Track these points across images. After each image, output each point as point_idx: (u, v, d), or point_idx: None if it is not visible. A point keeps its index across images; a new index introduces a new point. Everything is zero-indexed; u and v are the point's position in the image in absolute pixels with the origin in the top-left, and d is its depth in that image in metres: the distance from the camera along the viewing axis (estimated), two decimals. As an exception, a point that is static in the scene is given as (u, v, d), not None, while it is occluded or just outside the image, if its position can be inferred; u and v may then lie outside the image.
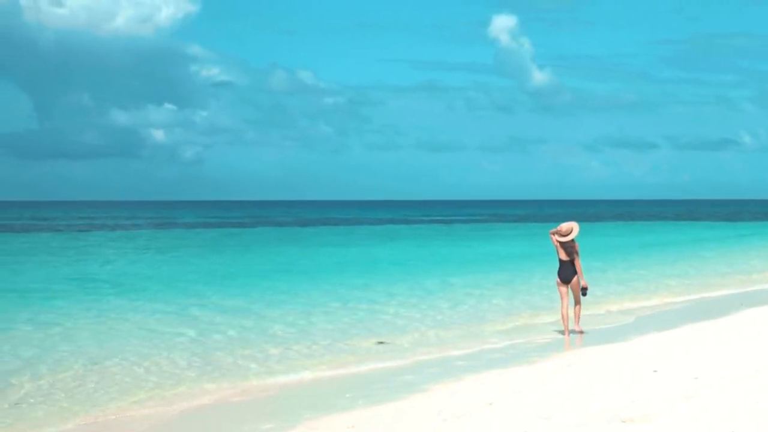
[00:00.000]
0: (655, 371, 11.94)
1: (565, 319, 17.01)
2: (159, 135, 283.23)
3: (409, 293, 24.12)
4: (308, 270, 32.19)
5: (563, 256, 17.04)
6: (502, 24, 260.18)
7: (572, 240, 17.00)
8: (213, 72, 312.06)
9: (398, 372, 13.26)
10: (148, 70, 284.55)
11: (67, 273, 31.04)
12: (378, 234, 65.89)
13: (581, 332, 17.26)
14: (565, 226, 17.10)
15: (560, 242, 17.00)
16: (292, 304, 21.70)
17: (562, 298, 17.05)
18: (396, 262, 36.16)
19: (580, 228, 17.21)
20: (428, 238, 58.61)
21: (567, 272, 17.02)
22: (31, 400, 11.92)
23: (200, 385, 12.73)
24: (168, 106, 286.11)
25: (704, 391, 10.49)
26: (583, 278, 17.07)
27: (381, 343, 16.40)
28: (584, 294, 17.21)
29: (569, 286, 17.04)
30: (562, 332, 17.21)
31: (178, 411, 11.26)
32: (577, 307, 17.32)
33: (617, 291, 24.99)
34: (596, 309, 20.44)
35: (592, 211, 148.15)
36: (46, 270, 32.44)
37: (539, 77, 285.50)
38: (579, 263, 17.04)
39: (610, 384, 11.32)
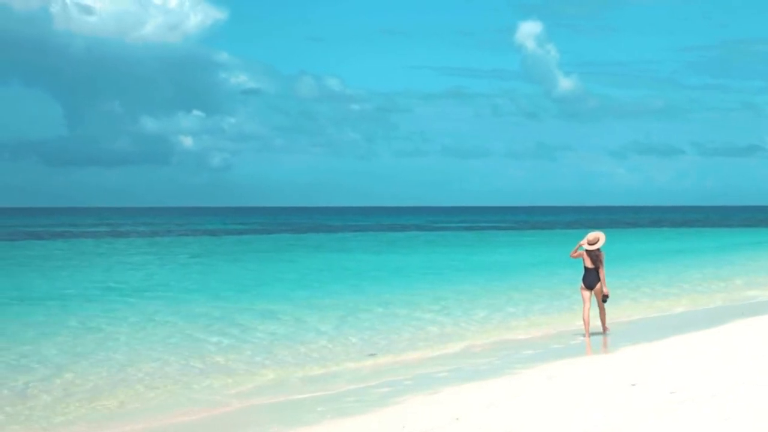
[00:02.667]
0: (634, 385, 11.85)
1: (586, 323, 17.62)
2: (188, 142, 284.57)
3: (413, 302, 23.88)
4: (316, 279, 32.14)
5: (588, 264, 17.77)
6: (528, 30, 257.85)
7: (598, 249, 17.66)
8: (241, 79, 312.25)
9: (377, 385, 13.12)
10: (177, 78, 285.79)
11: (100, 279, 31.20)
12: (399, 240, 65.81)
13: (606, 330, 18.22)
14: (592, 235, 17.87)
15: (587, 251, 17.67)
16: (290, 312, 21.67)
17: (584, 303, 17.81)
18: (406, 269, 36.03)
19: (606, 237, 18.06)
20: (450, 246, 58.46)
21: (591, 279, 17.76)
22: (47, 403, 12.18)
23: (168, 401, 12.62)
24: (196, 113, 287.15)
25: (678, 406, 10.38)
26: (605, 286, 17.80)
27: (372, 355, 16.28)
28: (605, 301, 18.04)
29: (593, 292, 17.79)
30: (561, 341, 17.48)
31: (144, 428, 11.22)
32: (602, 311, 18.16)
33: (627, 298, 24.83)
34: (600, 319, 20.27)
35: (618, 218, 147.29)
36: (79, 276, 32.62)
37: (565, 84, 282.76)
38: (603, 272, 17.79)
39: (586, 397, 11.24)
